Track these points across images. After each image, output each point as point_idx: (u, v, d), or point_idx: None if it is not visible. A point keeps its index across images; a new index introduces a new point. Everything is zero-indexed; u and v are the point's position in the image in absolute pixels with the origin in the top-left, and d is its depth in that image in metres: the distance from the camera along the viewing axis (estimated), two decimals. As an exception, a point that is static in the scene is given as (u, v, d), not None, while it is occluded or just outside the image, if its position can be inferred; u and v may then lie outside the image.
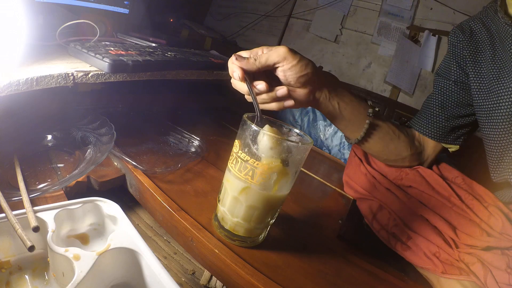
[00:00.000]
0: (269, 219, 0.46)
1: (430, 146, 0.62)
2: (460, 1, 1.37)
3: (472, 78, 0.56)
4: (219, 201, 0.47)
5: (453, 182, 0.58)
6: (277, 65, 0.43)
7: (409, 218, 0.54)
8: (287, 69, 0.42)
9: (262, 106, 0.45)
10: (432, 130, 0.61)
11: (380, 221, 0.58)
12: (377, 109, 0.54)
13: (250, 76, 0.42)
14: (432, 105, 0.61)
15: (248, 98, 0.44)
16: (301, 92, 0.45)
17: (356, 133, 0.54)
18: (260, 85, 0.42)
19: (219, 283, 0.49)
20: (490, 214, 0.50)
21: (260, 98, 0.43)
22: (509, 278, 0.44)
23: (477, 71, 0.56)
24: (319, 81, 0.47)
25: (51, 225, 0.37)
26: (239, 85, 0.43)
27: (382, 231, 0.57)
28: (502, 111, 0.51)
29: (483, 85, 0.55)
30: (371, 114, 0.53)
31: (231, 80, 0.44)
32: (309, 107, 1.06)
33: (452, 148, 0.63)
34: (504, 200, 0.53)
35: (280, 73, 0.43)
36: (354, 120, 0.53)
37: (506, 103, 0.50)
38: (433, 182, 0.57)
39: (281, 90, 0.43)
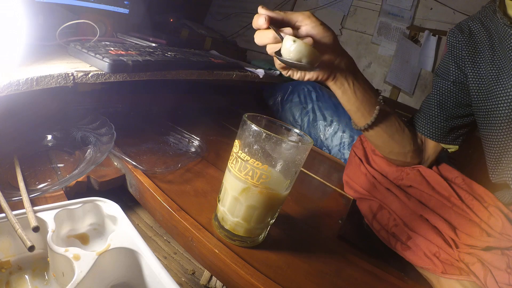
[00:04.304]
0: (269, 219, 0.46)
1: (430, 147, 0.62)
2: (460, 1, 1.37)
3: (470, 79, 0.56)
4: (219, 201, 0.47)
5: (453, 182, 0.58)
6: (300, 23, 0.43)
7: (409, 218, 0.54)
8: (311, 28, 0.43)
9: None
10: (431, 130, 0.61)
11: (380, 221, 0.58)
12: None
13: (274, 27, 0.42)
14: (431, 105, 0.61)
15: (270, 48, 0.43)
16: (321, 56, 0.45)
17: (366, 119, 0.54)
18: (287, 29, 0.42)
19: (219, 283, 0.49)
20: (490, 214, 0.50)
21: None
22: (509, 278, 0.44)
23: (476, 72, 0.56)
24: (339, 52, 0.47)
25: (51, 225, 0.37)
26: (265, 35, 0.42)
27: (382, 231, 0.57)
28: (500, 112, 0.51)
29: (482, 86, 0.54)
30: (381, 101, 0.53)
31: (255, 35, 0.43)
32: (309, 107, 1.06)
33: (452, 148, 0.63)
34: (503, 201, 0.53)
35: (303, 33, 0.44)
36: (366, 103, 0.52)
37: (505, 105, 0.50)
38: (433, 182, 0.57)
39: (307, 39, 0.43)
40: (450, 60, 0.59)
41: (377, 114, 0.53)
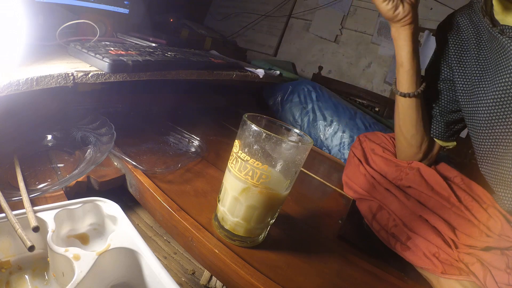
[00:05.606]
0: (269, 219, 0.46)
1: (434, 145, 0.62)
2: (460, 1, 1.37)
3: (457, 77, 0.56)
4: (219, 201, 0.47)
5: (452, 181, 0.58)
6: None
7: (409, 219, 0.54)
8: None
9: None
10: (432, 127, 0.61)
11: (379, 222, 0.58)
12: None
13: None
14: (426, 103, 0.61)
15: None
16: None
17: (416, 86, 0.56)
18: None
19: (219, 283, 0.49)
20: (489, 216, 0.50)
21: None
22: (508, 278, 0.44)
23: (461, 70, 0.55)
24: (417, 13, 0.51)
25: (51, 225, 0.37)
26: None
27: (382, 231, 0.57)
28: (479, 115, 0.51)
29: (466, 86, 0.54)
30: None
31: None
32: (309, 107, 1.06)
33: (450, 145, 0.63)
34: (500, 205, 0.53)
35: None
36: (419, 71, 0.55)
37: (484, 108, 0.50)
38: (432, 182, 0.57)
39: None
40: (439, 57, 0.59)
41: (424, 86, 0.55)
